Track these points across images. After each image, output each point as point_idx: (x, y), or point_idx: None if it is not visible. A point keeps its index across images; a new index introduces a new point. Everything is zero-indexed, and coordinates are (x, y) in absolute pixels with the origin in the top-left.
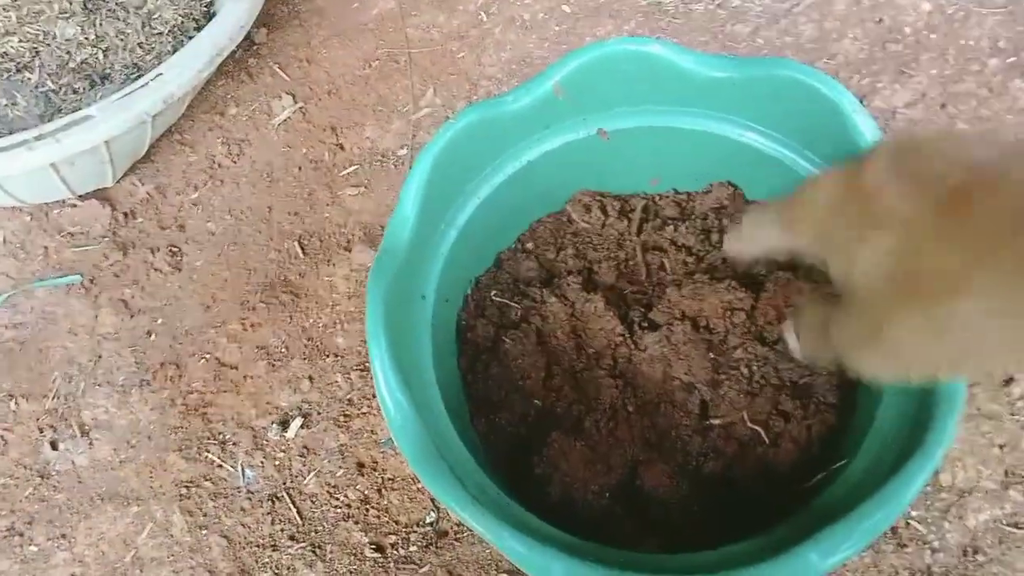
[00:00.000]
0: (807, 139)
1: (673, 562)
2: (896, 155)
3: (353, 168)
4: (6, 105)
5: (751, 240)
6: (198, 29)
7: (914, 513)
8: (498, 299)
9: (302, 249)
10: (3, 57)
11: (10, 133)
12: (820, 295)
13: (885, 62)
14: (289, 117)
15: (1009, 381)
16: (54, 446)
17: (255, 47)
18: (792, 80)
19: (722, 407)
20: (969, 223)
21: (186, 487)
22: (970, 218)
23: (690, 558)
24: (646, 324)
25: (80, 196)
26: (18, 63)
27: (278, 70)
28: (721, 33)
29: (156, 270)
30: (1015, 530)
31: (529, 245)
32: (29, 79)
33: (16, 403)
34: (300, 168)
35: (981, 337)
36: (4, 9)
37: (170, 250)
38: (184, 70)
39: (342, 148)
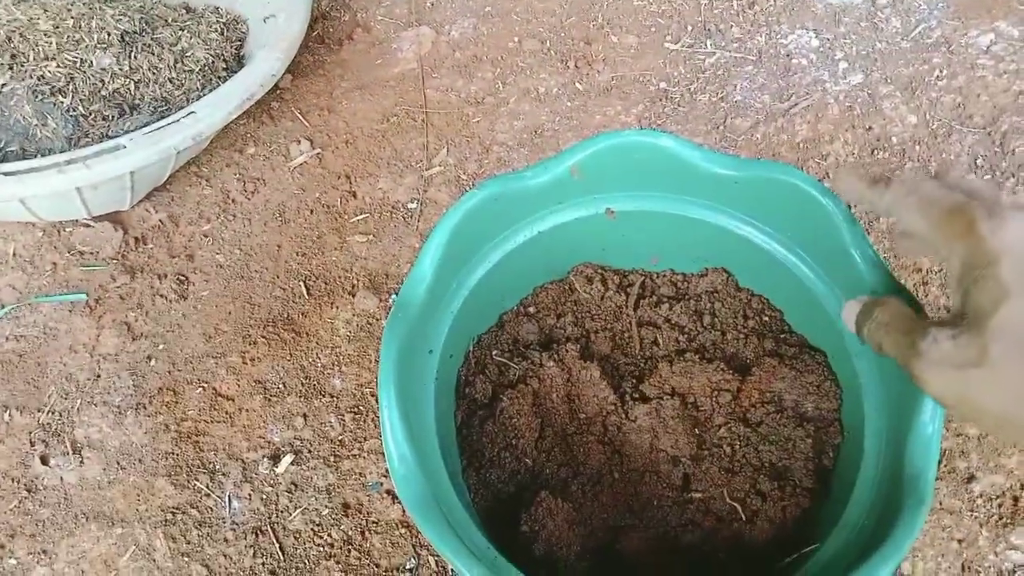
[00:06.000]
0: (799, 238)
1: None
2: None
3: (363, 216)
4: (36, 125)
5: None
6: (227, 70)
7: None
8: (498, 358)
9: (307, 289)
10: (40, 80)
11: (37, 152)
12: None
13: (872, 167)
14: (306, 161)
15: (971, 479)
16: (44, 461)
17: (279, 91)
18: (791, 185)
19: (703, 482)
20: None
21: (172, 513)
22: None
23: None
24: (637, 396)
25: (94, 217)
26: (53, 86)
27: (299, 115)
28: (722, 125)
29: (161, 296)
30: None
31: (531, 309)
32: (62, 102)
33: (10, 415)
34: (312, 211)
35: None
36: (46, 35)
37: (177, 278)
38: (215, 110)
39: (354, 196)
